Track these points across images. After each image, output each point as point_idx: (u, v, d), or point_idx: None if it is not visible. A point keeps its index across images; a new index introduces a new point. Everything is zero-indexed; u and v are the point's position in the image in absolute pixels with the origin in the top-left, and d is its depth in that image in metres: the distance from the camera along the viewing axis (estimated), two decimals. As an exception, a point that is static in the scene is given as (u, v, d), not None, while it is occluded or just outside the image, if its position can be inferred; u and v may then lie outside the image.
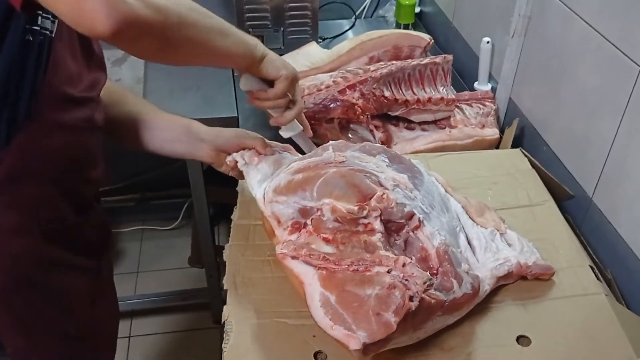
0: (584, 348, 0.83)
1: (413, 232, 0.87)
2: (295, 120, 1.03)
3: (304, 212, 0.90)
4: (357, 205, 0.86)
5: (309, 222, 0.89)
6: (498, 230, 0.98)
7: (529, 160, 1.22)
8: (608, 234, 1.05)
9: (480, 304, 0.88)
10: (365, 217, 0.85)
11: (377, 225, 0.84)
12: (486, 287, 0.88)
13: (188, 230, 2.20)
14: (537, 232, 1.03)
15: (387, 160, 0.98)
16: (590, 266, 0.97)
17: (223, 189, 1.25)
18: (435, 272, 0.82)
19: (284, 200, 0.92)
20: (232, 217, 1.09)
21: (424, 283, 0.73)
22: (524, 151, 1.24)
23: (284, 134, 1.04)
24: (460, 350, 0.82)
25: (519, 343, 0.84)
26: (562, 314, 0.88)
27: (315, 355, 0.81)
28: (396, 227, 0.87)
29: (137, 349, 1.92)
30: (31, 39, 0.78)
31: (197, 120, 1.07)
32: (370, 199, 0.86)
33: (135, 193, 2.22)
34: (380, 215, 0.85)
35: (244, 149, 1.04)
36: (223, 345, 0.83)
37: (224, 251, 1.00)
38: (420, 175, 0.98)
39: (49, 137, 0.85)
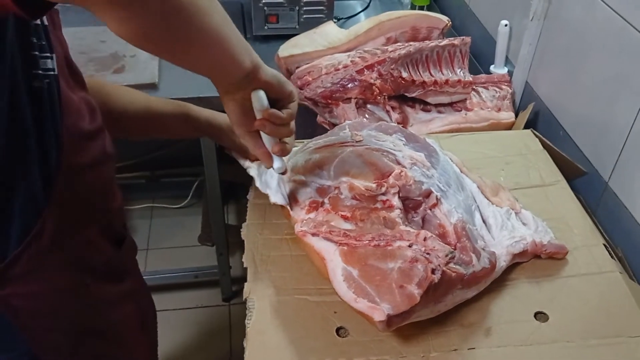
0: (601, 324, 0.84)
1: (430, 209, 0.88)
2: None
3: (322, 191, 0.91)
4: (375, 183, 0.87)
5: (326, 200, 0.90)
6: (513, 210, 0.99)
7: (541, 140, 1.22)
8: (623, 218, 1.06)
9: (496, 282, 0.89)
10: (383, 194, 0.86)
11: (396, 201, 0.85)
12: (502, 264, 0.89)
13: (197, 209, 2.22)
14: (551, 212, 1.03)
15: (403, 139, 0.98)
16: (604, 245, 0.98)
17: (236, 166, 1.26)
18: (453, 247, 0.82)
19: (301, 179, 0.93)
20: (247, 196, 1.09)
21: (446, 256, 0.74)
22: (535, 132, 1.25)
23: (281, 166, 0.86)
24: (480, 326, 0.83)
25: (536, 319, 0.85)
26: (577, 291, 0.89)
27: (338, 330, 0.82)
28: (414, 204, 0.88)
29: (146, 325, 1.94)
30: (39, 85, 0.70)
31: (214, 98, 1.06)
32: (388, 176, 0.87)
33: (146, 171, 2.23)
34: (399, 192, 0.86)
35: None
36: (246, 321, 0.84)
37: (241, 230, 1.01)
38: (436, 154, 0.99)
39: (78, 183, 0.79)
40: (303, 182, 0.92)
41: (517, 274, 0.93)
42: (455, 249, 0.82)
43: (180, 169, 2.23)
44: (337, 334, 0.82)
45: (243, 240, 0.99)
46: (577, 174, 1.16)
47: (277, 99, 0.81)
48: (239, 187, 1.87)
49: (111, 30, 0.62)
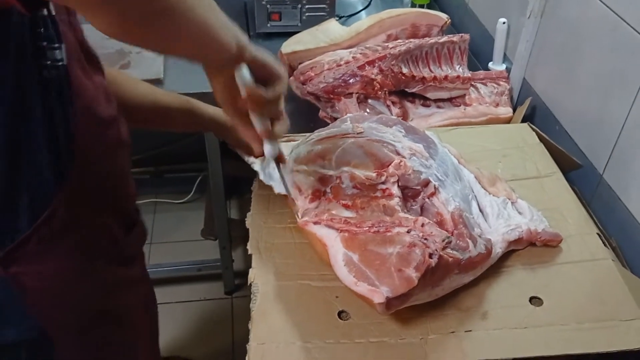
0: (594, 308, 0.87)
1: (429, 198, 0.91)
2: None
3: (324, 180, 0.94)
4: (375, 172, 0.90)
5: (328, 189, 0.93)
6: (509, 199, 1.02)
7: (537, 134, 1.25)
8: (617, 210, 1.09)
9: (492, 268, 0.92)
10: (383, 183, 0.89)
11: (395, 190, 0.88)
12: (498, 250, 0.92)
13: (200, 204, 2.25)
14: (546, 202, 1.06)
15: (403, 130, 1.01)
16: (598, 234, 1.01)
17: (239, 162, 1.28)
18: (450, 234, 0.85)
19: (304, 169, 0.96)
20: (252, 187, 1.12)
21: (443, 241, 0.77)
22: (532, 125, 1.27)
23: (272, 150, 0.85)
24: (476, 310, 0.86)
25: (531, 304, 0.88)
26: (571, 277, 0.92)
27: (339, 314, 0.85)
28: (412, 193, 0.91)
29: (150, 317, 1.97)
30: (47, 75, 0.71)
31: (212, 94, 1.09)
32: (388, 166, 0.90)
33: (150, 166, 2.26)
34: (398, 181, 0.89)
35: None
36: (251, 305, 0.87)
37: (246, 219, 1.03)
38: (435, 146, 1.02)
39: (91, 169, 0.80)
40: (306, 172, 0.95)
41: (512, 261, 0.96)
42: (452, 236, 0.85)
43: (184, 164, 2.26)
44: (339, 317, 0.85)
45: (245, 235, 1.02)
46: (572, 166, 1.19)
47: (265, 80, 0.79)
48: (241, 182, 1.89)
49: (95, 28, 0.61)
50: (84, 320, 0.87)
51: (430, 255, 0.76)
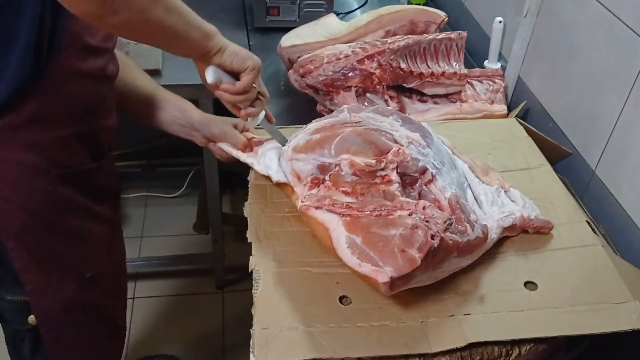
0: (586, 292, 0.90)
1: (426, 185, 0.93)
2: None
3: (323, 168, 0.96)
4: (374, 159, 0.92)
5: (327, 177, 0.95)
6: (502, 188, 1.05)
7: (525, 127, 1.28)
8: (608, 203, 1.12)
9: (487, 254, 0.95)
10: (382, 170, 0.91)
11: (394, 176, 0.90)
12: (493, 236, 0.94)
13: (191, 199, 2.25)
14: (536, 192, 1.09)
15: (400, 120, 1.03)
16: (587, 221, 1.04)
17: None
18: (449, 219, 0.88)
19: (303, 157, 0.97)
20: (248, 178, 1.14)
21: (444, 222, 0.79)
22: (520, 120, 1.30)
23: (253, 123, 1.05)
24: (474, 294, 0.88)
25: (526, 288, 0.90)
26: (563, 263, 0.95)
27: (340, 299, 0.86)
28: (410, 180, 0.93)
29: (140, 310, 1.97)
30: None
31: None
32: (387, 153, 0.92)
33: (142, 160, 2.25)
34: (397, 168, 0.91)
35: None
36: (253, 291, 0.88)
37: (244, 208, 1.04)
38: (430, 135, 1.04)
39: (67, 85, 0.89)
40: (305, 160, 0.96)
41: (506, 248, 0.98)
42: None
43: (176, 158, 2.25)
44: (340, 302, 0.86)
45: (237, 230, 1.04)
46: (561, 155, 1.22)
47: (237, 72, 0.94)
48: (234, 177, 1.89)
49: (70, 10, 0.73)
50: (37, 226, 0.94)
51: (432, 237, 0.78)
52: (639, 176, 1.04)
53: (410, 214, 0.81)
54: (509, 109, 1.41)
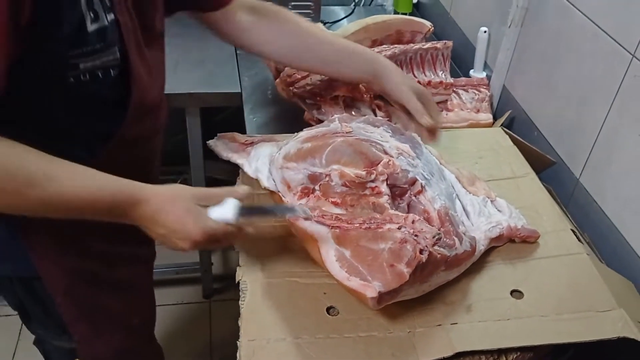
0: (572, 299, 0.91)
1: (415, 196, 0.94)
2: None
3: (313, 178, 0.96)
4: (364, 170, 0.92)
5: (317, 187, 0.95)
6: (489, 198, 1.06)
7: (510, 137, 1.29)
8: (592, 211, 1.13)
9: (474, 263, 0.95)
10: (372, 181, 0.91)
11: (384, 188, 0.90)
12: (481, 247, 0.95)
13: (178, 207, 2.23)
14: (522, 201, 1.10)
15: (390, 131, 1.04)
16: (572, 230, 1.06)
17: (220, 162, 1.29)
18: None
19: (293, 166, 0.97)
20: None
21: (433, 237, 0.80)
22: (505, 129, 1.32)
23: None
24: (461, 303, 0.89)
25: (512, 296, 0.91)
26: (549, 271, 0.96)
27: (328, 310, 0.87)
28: (400, 191, 0.94)
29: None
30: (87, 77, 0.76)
31: (204, 94, 1.11)
32: (377, 165, 0.92)
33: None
34: (387, 179, 0.92)
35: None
36: (240, 302, 0.88)
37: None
38: (420, 146, 1.05)
39: (127, 150, 0.87)
40: (295, 169, 0.96)
41: (493, 257, 0.99)
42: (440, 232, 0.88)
43: (164, 166, 2.23)
44: (328, 313, 0.86)
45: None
46: (546, 164, 1.24)
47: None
48: (221, 185, 1.87)
49: None
50: (76, 278, 0.93)
51: (421, 251, 0.78)
52: (623, 184, 1.05)
53: (399, 228, 0.81)
54: (495, 118, 1.43)
